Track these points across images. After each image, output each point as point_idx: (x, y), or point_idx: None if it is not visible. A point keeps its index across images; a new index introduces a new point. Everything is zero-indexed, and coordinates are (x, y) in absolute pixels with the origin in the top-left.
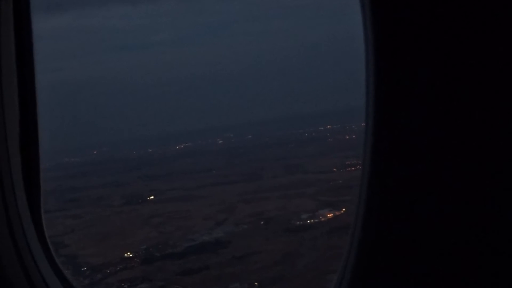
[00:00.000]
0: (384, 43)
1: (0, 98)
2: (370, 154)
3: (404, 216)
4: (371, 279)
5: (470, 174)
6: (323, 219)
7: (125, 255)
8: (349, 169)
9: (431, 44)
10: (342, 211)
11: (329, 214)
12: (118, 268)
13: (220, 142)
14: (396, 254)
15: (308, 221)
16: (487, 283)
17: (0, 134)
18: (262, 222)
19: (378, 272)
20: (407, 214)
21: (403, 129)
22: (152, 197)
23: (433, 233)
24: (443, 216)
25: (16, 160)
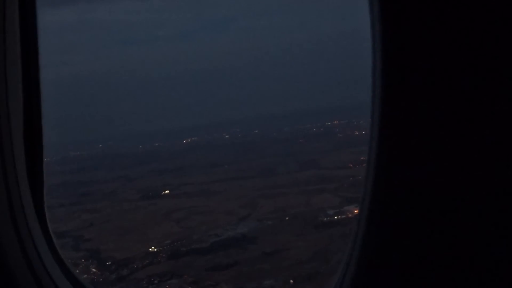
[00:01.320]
0: (392, 39)
1: (4, 92)
2: (375, 151)
3: (408, 215)
4: (374, 278)
5: (475, 172)
6: (350, 215)
7: (150, 249)
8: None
9: (440, 41)
10: None
11: (355, 210)
12: (145, 263)
13: (227, 136)
14: (399, 253)
15: (336, 217)
16: (490, 283)
17: (4, 127)
18: (287, 218)
19: (381, 271)
20: (412, 213)
21: (409, 127)
22: (168, 191)
23: (437, 232)
24: (447, 216)
25: (20, 154)
